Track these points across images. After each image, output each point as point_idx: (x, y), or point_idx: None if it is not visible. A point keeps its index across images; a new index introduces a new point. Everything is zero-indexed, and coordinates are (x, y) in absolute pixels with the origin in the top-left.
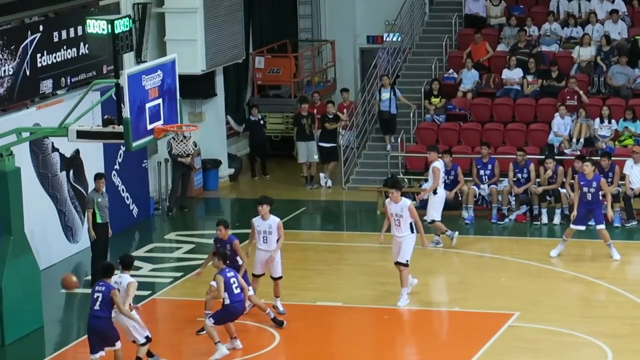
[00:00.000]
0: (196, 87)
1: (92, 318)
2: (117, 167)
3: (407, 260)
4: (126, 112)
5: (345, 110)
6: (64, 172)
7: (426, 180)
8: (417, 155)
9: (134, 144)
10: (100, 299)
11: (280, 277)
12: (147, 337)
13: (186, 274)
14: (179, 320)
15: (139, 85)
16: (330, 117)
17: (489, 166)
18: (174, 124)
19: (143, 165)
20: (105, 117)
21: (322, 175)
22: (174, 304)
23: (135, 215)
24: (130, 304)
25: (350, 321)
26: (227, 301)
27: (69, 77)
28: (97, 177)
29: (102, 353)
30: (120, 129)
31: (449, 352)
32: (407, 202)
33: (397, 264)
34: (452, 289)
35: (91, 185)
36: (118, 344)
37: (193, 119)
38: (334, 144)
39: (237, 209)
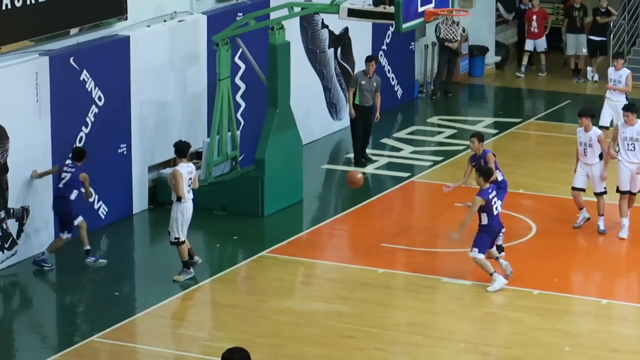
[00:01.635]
0: None
1: None
2: (384, 47)
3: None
4: None
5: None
6: (331, 49)
7: None
8: None
9: (404, 26)
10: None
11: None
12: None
13: (446, 158)
14: (435, 205)
15: None
16: (603, 10)
17: None
18: (445, 7)
19: (410, 47)
20: None
21: (589, 69)
22: (432, 187)
23: (399, 97)
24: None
25: (605, 216)
26: (485, 221)
27: None
28: (368, 59)
29: None
30: (391, 9)
31: None
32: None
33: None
34: None
35: (358, 64)
36: None
37: (463, 4)
38: (604, 38)
39: (500, 97)
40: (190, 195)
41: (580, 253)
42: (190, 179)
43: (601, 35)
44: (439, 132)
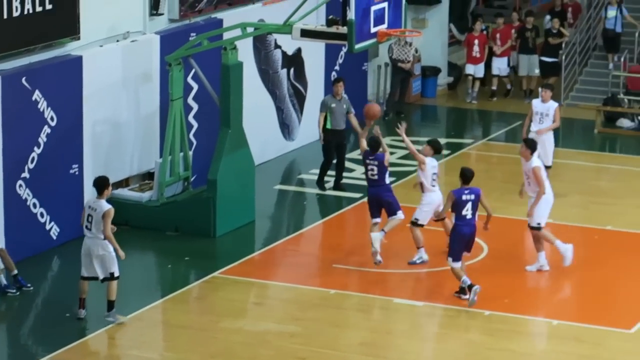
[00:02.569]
0: None
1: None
2: (337, 68)
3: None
4: (351, 14)
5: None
6: (284, 70)
7: None
8: (639, 76)
9: (357, 46)
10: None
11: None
12: None
13: (399, 179)
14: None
15: None
16: (554, 31)
17: None
18: (397, 28)
19: (363, 68)
20: (330, 17)
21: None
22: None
23: None
24: None
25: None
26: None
27: None
28: (335, 81)
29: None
30: (344, 30)
31: None
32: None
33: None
34: None
35: (311, 85)
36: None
37: (416, 25)
38: (556, 59)
39: (453, 118)
40: None
41: (532, 274)
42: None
43: (553, 56)
44: (392, 153)
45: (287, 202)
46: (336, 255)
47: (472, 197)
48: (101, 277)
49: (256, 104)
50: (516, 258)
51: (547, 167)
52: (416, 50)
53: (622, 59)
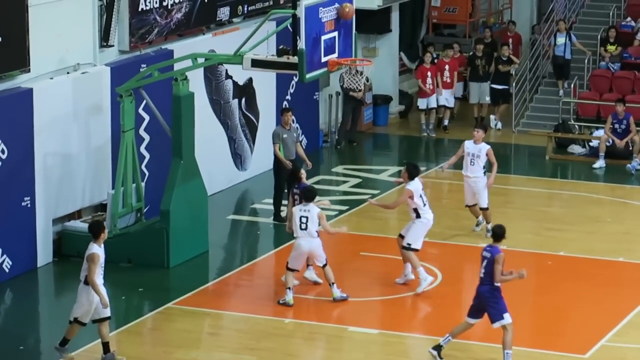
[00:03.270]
0: (372, 23)
1: None
2: (288, 97)
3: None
4: (301, 44)
5: (510, 42)
6: (236, 100)
7: (597, 128)
8: (589, 102)
9: (308, 76)
10: None
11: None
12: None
13: (351, 207)
14: (341, 254)
15: (315, 17)
16: (504, 59)
17: None
18: (348, 57)
19: (314, 97)
20: (280, 47)
21: (492, 117)
22: (337, 237)
23: (304, 147)
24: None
25: (512, 265)
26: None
27: (246, 6)
28: (284, 110)
29: None
30: (294, 59)
31: (610, 302)
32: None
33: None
34: (618, 239)
35: (263, 115)
36: None
37: (367, 54)
38: (507, 87)
39: (405, 146)
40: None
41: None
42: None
43: (503, 83)
44: (344, 182)
45: (241, 232)
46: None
47: (488, 255)
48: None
49: (208, 135)
50: (469, 284)
51: (482, 209)
52: (367, 79)
53: (572, 86)
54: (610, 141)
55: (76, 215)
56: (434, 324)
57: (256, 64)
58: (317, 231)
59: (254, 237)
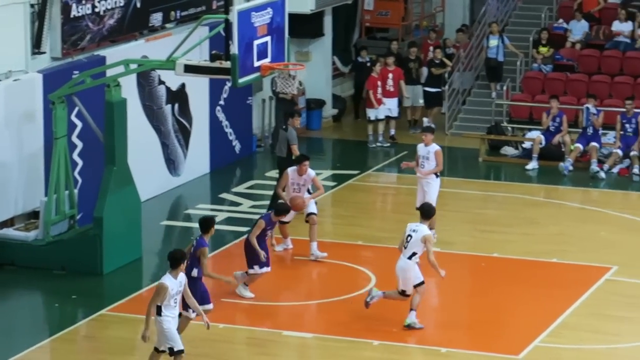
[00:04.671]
0: (304, 27)
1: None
2: (221, 102)
3: None
4: (234, 49)
5: (461, 51)
6: (169, 105)
7: (530, 130)
8: (522, 104)
9: (240, 80)
10: None
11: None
12: None
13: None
14: (274, 258)
15: (248, 22)
16: (437, 62)
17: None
18: (280, 62)
19: (248, 101)
20: (213, 52)
21: (425, 119)
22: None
23: (238, 152)
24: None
25: (447, 268)
26: None
27: (178, 11)
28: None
29: None
30: (227, 64)
31: (544, 303)
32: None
33: None
34: (552, 240)
35: (196, 120)
36: None
37: (300, 58)
38: (440, 89)
39: (338, 150)
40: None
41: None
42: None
43: (436, 86)
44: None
45: (174, 237)
46: (224, 289)
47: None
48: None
49: (141, 141)
50: None
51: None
52: (300, 83)
53: (505, 88)
54: (544, 142)
55: (9, 223)
56: (367, 327)
57: (189, 69)
58: None
59: (188, 242)
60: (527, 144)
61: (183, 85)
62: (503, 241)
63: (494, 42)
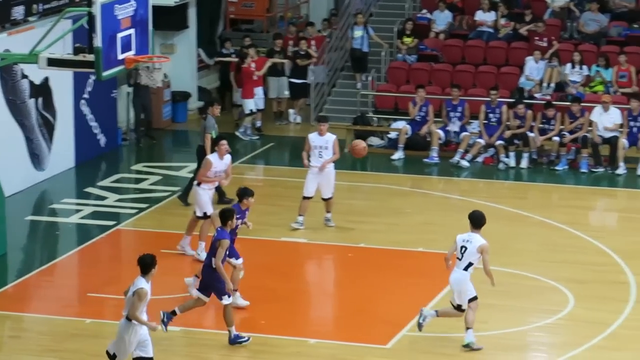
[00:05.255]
0: (169, 19)
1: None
2: (86, 96)
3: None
4: (97, 41)
5: (313, 43)
6: (32, 100)
7: (395, 120)
8: (387, 95)
9: (104, 74)
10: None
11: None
12: None
13: (151, 205)
14: (142, 252)
15: (111, 15)
16: (302, 53)
17: (459, 108)
18: (145, 54)
19: (112, 95)
20: (77, 45)
21: (291, 111)
22: (138, 234)
23: (103, 145)
24: None
25: (314, 259)
26: None
27: (40, 4)
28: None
29: None
30: (91, 57)
31: (412, 292)
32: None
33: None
34: (418, 230)
35: (60, 114)
36: None
37: (164, 51)
38: (305, 81)
39: None
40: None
41: (287, 293)
42: None
43: (302, 77)
44: (144, 179)
45: (40, 232)
46: (91, 284)
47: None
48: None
49: (4, 135)
50: (272, 279)
51: (327, 199)
52: (165, 76)
53: (370, 78)
54: (410, 133)
55: None
56: (241, 321)
57: (52, 62)
58: None
59: (54, 237)
60: (392, 134)
61: (46, 79)
62: (370, 231)
63: (358, 32)
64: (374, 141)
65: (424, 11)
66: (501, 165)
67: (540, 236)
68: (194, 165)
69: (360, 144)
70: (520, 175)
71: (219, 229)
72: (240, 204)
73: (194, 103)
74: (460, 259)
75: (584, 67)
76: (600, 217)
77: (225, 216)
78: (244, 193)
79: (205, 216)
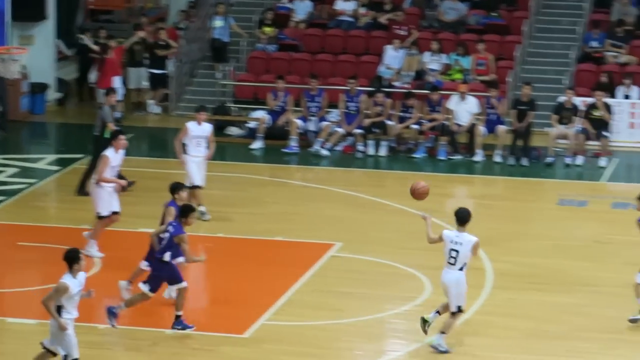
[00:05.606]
0: (27, 10)
1: None
2: None
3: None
4: None
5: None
6: None
7: (254, 110)
8: (247, 84)
9: None
10: None
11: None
12: None
13: (9, 197)
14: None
15: None
16: (162, 44)
17: (317, 99)
18: (2, 45)
19: None
20: None
21: (150, 101)
22: None
23: None
24: None
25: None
26: None
27: None
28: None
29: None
30: None
31: (270, 281)
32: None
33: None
34: (276, 219)
35: None
36: None
37: (23, 42)
38: (165, 71)
39: (63, 133)
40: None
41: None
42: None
43: (161, 67)
44: (1, 171)
45: None
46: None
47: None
48: None
49: None
50: (129, 271)
51: (198, 187)
52: (24, 67)
53: (230, 68)
54: (271, 122)
55: None
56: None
57: None
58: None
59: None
60: (251, 124)
61: None
62: (228, 220)
63: (219, 22)
64: (233, 131)
65: (285, 0)
66: (358, 154)
67: (398, 224)
68: (52, 157)
69: (424, 187)
70: (378, 163)
71: (174, 223)
72: (175, 200)
73: (52, 94)
74: (453, 264)
75: (443, 55)
76: (457, 204)
77: (186, 210)
78: (177, 187)
79: (102, 217)
